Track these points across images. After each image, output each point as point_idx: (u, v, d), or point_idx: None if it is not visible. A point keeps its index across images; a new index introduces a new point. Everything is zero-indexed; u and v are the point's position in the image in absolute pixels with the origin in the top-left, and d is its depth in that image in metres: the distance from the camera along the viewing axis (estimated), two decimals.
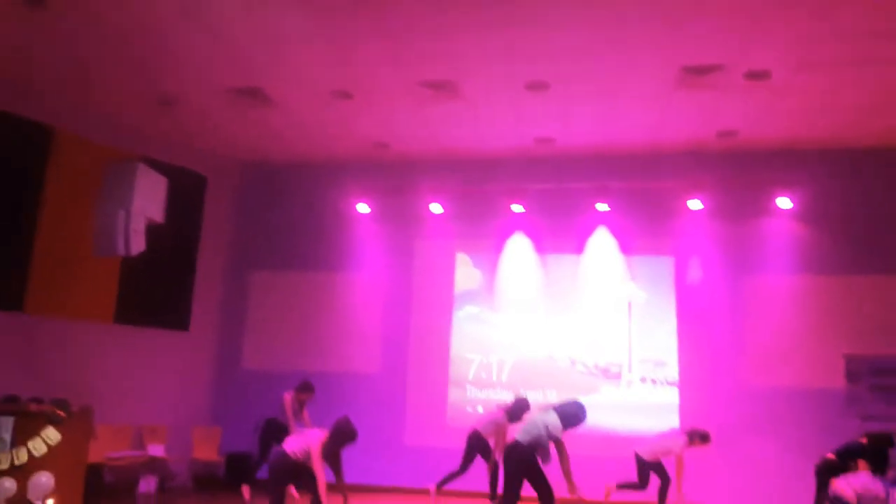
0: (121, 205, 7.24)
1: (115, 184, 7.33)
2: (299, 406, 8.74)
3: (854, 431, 8.70)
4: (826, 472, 6.79)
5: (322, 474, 6.15)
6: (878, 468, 6.24)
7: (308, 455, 6.18)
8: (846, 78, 7.75)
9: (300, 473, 6.22)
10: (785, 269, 9.89)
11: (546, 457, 5.72)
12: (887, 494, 5.51)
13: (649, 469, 8.01)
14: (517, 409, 8.08)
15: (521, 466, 5.75)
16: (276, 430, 8.43)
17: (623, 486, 8.15)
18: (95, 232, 7.41)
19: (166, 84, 8.55)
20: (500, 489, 7.84)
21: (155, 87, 8.62)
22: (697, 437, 7.99)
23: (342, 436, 6.30)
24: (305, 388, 8.69)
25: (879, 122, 8.94)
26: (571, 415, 5.82)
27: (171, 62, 7.95)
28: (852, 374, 9.01)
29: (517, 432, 5.92)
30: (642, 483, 8.02)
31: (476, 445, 8.30)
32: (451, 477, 8.34)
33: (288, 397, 8.67)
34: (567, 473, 5.80)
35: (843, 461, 7.03)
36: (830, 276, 9.76)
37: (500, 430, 8.14)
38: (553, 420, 5.75)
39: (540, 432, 5.73)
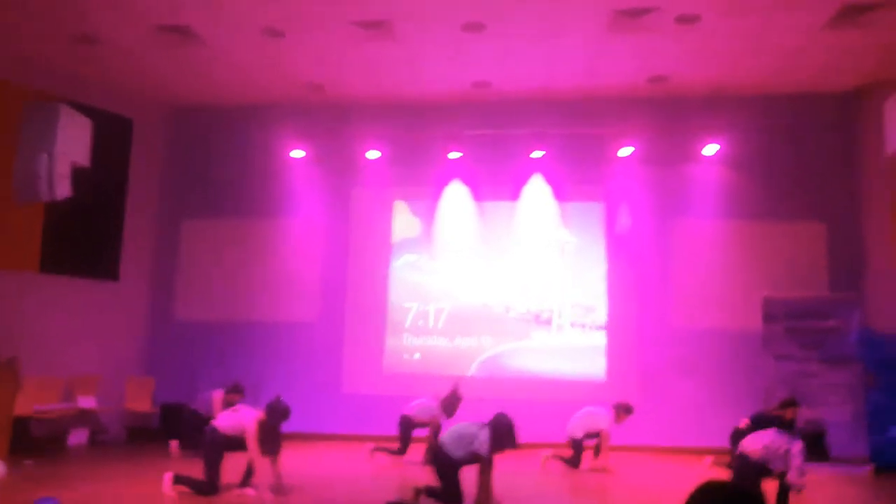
0: (43, 148, 6.89)
1: (36, 127, 6.96)
2: (227, 406, 8.54)
3: (769, 371, 9.23)
4: (739, 437, 7.14)
5: (258, 454, 6.19)
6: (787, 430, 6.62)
7: (239, 432, 6.22)
8: (771, 22, 7.96)
9: (233, 444, 6.27)
10: (710, 214, 10.26)
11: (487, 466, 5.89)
12: (789, 447, 5.89)
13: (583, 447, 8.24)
14: (452, 403, 8.18)
15: (449, 471, 5.89)
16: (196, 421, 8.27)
17: (558, 458, 8.29)
18: (16, 177, 7.07)
19: (86, 21, 8.09)
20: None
21: (74, 24, 8.16)
22: (623, 411, 8.28)
23: (276, 415, 6.33)
24: (236, 390, 8.41)
25: (804, 66, 9.20)
26: (504, 435, 5.90)
27: None
28: (769, 316, 9.41)
29: (448, 440, 5.98)
30: (575, 462, 8.21)
31: (411, 427, 8.37)
32: (392, 453, 8.39)
33: (217, 396, 8.49)
34: (484, 488, 5.85)
35: (756, 428, 7.37)
36: (753, 221, 10.18)
37: (434, 423, 8.16)
38: (484, 439, 5.85)
39: (471, 450, 5.86)
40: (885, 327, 9.10)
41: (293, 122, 10.67)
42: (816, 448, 6.08)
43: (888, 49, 8.53)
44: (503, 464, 6.20)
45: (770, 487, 5.72)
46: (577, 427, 8.27)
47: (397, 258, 10.76)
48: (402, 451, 8.36)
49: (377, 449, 8.47)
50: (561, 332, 10.37)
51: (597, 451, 8.24)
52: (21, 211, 8.72)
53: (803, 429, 6.41)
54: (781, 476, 5.82)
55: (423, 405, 8.42)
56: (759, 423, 7.28)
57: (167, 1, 7.66)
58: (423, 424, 8.32)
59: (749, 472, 5.92)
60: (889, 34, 8.12)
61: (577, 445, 8.21)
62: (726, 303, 10.01)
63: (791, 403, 7.60)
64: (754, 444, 6.07)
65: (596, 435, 8.20)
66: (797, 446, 5.88)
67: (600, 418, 8.25)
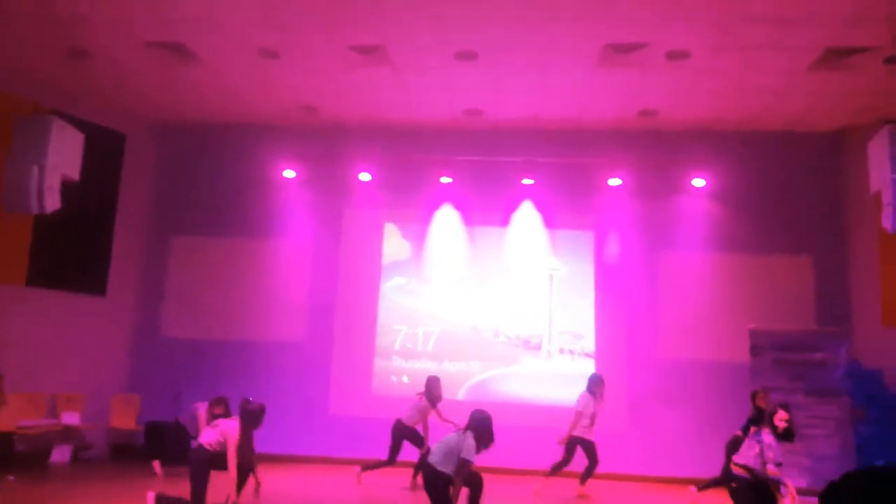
0: (34, 160, 6.95)
1: (27, 138, 7.02)
2: (211, 419, 8.52)
3: None
4: (732, 447, 7.29)
5: (235, 466, 6.19)
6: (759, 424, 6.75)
7: (223, 445, 6.21)
8: (759, 62, 8.11)
9: (218, 462, 6.24)
10: (698, 246, 10.35)
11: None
12: (761, 440, 6.06)
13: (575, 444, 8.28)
14: (433, 389, 8.35)
15: (442, 490, 5.89)
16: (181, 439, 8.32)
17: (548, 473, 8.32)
18: (6, 188, 7.09)
19: (81, 34, 8.10)
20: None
21: (69, 38, 8.18)
22: (595, 384, 8.42)
23: (252, 416, 6.32)
24: (219, 403, 8.28)
25: (789, 106, 9.39)
26: (483, 431, 5.98)
27: (86, 11, 7.55)
28: (756, 348, 9.42)
29: (436, 458, 5.97)
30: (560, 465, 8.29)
31: (403, 434, 8.36)
32: (379, 465, 8.38)
33: (201, 410, 8.44)
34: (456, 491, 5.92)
35: (745, 434, 7.49)
36: (740, 254, 10.27)
37: (424, 415, 8.37)
38: (471, 444, 5.91)
39: (460, 459, 5.88)
40: (871, 361, 9.13)
41: (285, 142, 10.76)
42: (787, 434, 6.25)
43: (869, 92, 8.72)
44: (493, 490, 6.17)
45: None
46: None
47: (387, 280, 10.77)
48: (390, 460, 8.32)
49: (365, 468, 8.44)
50: (550, 359, 10.37)
51: (583, 478, 8.20)
52: (9, 223, 8.74)
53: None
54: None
55: (411, 406, 8.47)
56: (745, 428, 7.53)
57: (162, 18, 7.69)
58: (414, 425, 8.36)
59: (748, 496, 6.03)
60: (869, 78, 8.29)
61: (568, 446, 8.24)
62: (714, 334, 10.04)
63: (757, 393, 8.00)
64: (739, 460, 6.19)
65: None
66: (767, 437, 6.04)
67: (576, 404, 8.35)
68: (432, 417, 8.49)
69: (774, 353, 9.39)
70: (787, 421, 6.22)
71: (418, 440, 8.38)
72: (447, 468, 5.87)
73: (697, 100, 9.32)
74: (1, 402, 7.91)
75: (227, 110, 10.43)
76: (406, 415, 8.42)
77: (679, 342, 10.13)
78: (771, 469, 5.98)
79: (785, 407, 6.36)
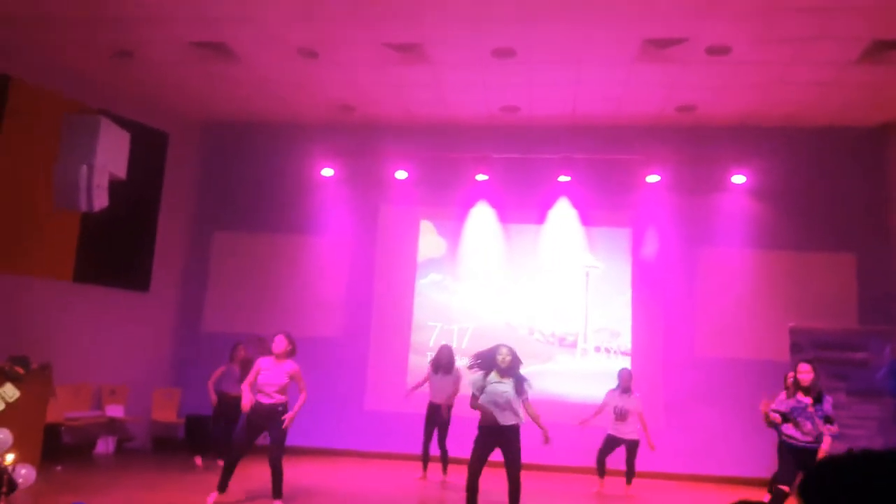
0: (83, 159, 7.11)
1: (76, 137, 7.19)
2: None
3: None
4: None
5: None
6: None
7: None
8: (802, 55, 7.98)
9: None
10: (737, 243, 10.21)
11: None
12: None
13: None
14: (439, 361, 8.59)
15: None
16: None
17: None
18: (56, 186, 7.27)
19: (126, 35, 8.29)
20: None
21: (114, 38, 8.36)
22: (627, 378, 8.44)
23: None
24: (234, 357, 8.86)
25: (832, 100, 9.22)
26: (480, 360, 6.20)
27: (131, 12, 7.73)
28: (796, 347, 9.27)
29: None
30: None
31: (433, 415, 8.53)
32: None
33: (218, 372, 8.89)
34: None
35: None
36: (780, 251, 10.10)
37: (449, 387, 8.51)
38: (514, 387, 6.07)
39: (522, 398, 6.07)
40: None
41: (323, 140, 10.86)
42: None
43: None
44: (528, 485, 6.19)
45: None
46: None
47: (422, 277, 10.83)
48: (426, 442, 8.49)
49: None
50: (585, 356, 10.34)
51: (628, 478, 8.17)
52: (58, 220, 8.96)
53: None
54: None
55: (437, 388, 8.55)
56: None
57: (204, 18, 7.83)
58: (444, 401, 8.45)
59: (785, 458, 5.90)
60: None
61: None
62: (753, 332, 9.91)
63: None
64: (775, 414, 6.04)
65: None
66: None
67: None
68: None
69: (815, 351, 9.21)
70: (803, 373, 5.94)
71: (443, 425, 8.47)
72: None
73: (737, 94, 9.20)
74: (49, 393, 8.13)
75: (266, 109, 10.57)
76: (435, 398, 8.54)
77: (717, 340, 10.02)
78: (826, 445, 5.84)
79: (809, 361, 6.13)
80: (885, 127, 9.95)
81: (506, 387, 6.05)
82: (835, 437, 5.88)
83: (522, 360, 6.32)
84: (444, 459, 8.49)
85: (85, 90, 9.37)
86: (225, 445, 7.95)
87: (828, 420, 5.80)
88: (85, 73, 9.39)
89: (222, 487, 6.53)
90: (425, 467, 8.53)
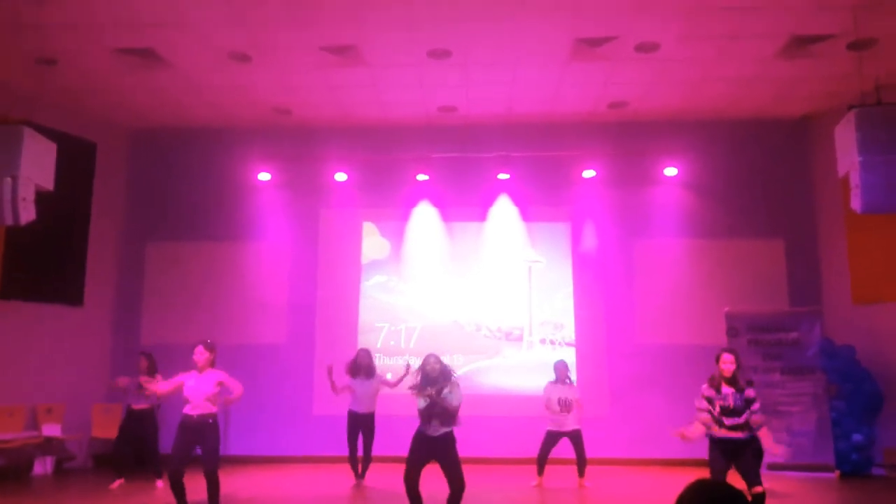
0: (7, 171, 6.83)
1: None
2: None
3: None
4: None
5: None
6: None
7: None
8: (726, 51, 8.29)
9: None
10: (672, 234, 10.53)
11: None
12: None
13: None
14: (356, 368, 8.45)
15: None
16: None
17: None
18: None
19: (48, 43, 7.97)
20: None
21: (36, 45, 7.99)
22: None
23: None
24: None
25: (757, 94, 9.60)
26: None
27: (53, 18, 7.45)
28: (732, 330, 9.59)
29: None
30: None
31: (354, 424, 8.48)
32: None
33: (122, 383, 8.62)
34: None
35: None
36: (713, 240, 10.47)
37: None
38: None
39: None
40: (842, 338, 9.39)
41: (260, 145, 10.71)
42: None
43: (834, 78, 8.95)
44: (479, 480, 6.23)
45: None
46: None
47: (367, 279, 10.79)
48: (352, 450, 8.44)
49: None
50: (531, 349, 10.48)
51: (581, 469, 8.28)
52: None
53: None
54: (747, 481, 5.81)
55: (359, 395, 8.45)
56: None
57: (129, 24, 7.61)
58: (367, 410, 8.41)
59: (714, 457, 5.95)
60: (835, 64, 8.53)
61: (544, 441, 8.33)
62: (691, 318, 10.23)
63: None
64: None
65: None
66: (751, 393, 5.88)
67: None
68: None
69: (750, 334, 9.57)
70: (726, 363, 5.88)
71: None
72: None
73: (667, 90, 9.48)
74: None
75: (199, 114, 10.35)
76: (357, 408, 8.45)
77: (657, 327, 10.30)
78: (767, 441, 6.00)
79: (731, 350, 6.07)
80: (806, 118, 10.44)
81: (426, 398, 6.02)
82: (760, 425, 5.94)
83: (452, 369, 6.25)
84: (367, 463, 8.43)
85: (6, 100, 8.95)
86: (145, 462, 8.12)
87: (748, 402, 5.82)
88: (6, 82, 8.99)
89: None
90: (356, 470, 8.42)
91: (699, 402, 6.01)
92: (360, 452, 8.46)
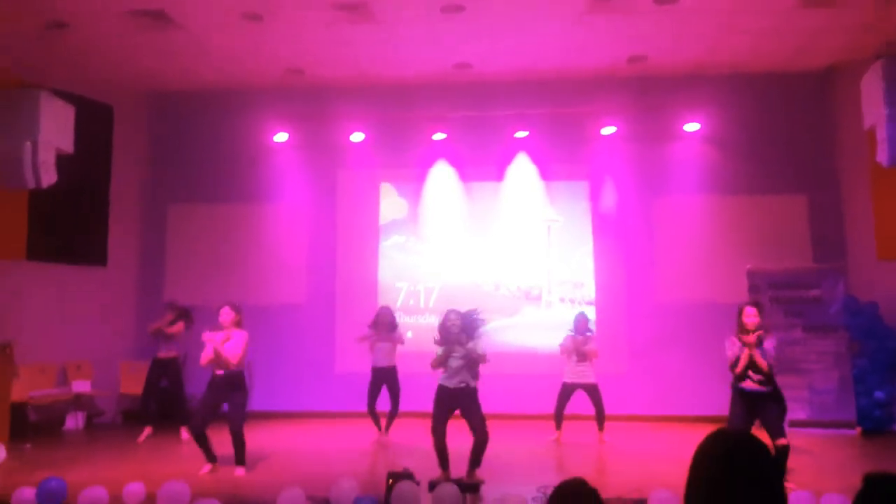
0: (27, 135, 6.98)
1: (17, 113, 7.04)
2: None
3: None
4: None
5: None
6: None
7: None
8: (746, 2, 8.01)
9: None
10: (693, 190, 10.37)
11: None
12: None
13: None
14: (377, 323, 8.63)
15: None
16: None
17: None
18: None
19: (60, 5, 7.93)
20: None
21: (45, 9, 7.99)
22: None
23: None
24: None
25: (778, 46, 9.31)
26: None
27: None
28: (754, 288, 9.50)
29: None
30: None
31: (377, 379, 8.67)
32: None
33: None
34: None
35: None
36: (734, 196, 10.30)
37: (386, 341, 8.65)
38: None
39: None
40: (866, 295, 9.24)
41: (275, 105, 10.71)
42: None
43: (859, 28, 8.61)
44: (501, 435, 6.34)
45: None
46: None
47: (385, 239, 10.84)
48: (371, 404, 8.61)
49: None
50: (550, 308, 10.50)
51: (600, 423, 8.33)
52: (5, 199, 8.76)
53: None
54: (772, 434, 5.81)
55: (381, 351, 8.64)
56: None
57: None
58: (389, 364, 8.62)
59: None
60: (859, 14, 8.19)
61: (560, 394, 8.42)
62: (712, 276, 10.12)
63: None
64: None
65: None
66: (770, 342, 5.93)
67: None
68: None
69: (772, 291, 9.48)
70: (749, 316, 5.95)
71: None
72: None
73: (687, 43, 9.23)
74: (12, 373, 8.09)
75: (213, 76, 10.35)
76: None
77: (678, 285, 10.23)
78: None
79: (755, 304, 6.16)
80: (830, 70, 10.11)
81: (458, 353, 6.17)
82: (769, 374, 5.92)
83: (480, 319, 6.37)
84: (391, 418, 8.59)
85: (21, 65, 9.03)
86: (171, 411, 8.46)
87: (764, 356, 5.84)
88: (19, 47, 8.96)
89: (211, 458, 6.64)
90: (379, 425, 8.59)
91: (731, 344, 5.97)
92: (382, 407, 8.60)
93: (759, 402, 5.88)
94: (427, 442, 6.23)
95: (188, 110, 10.99)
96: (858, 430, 8.82)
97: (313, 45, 9.21)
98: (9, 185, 7.15)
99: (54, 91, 7.15)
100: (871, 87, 7.29)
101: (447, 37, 8.98)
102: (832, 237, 10.05)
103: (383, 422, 8.60)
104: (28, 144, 7.04)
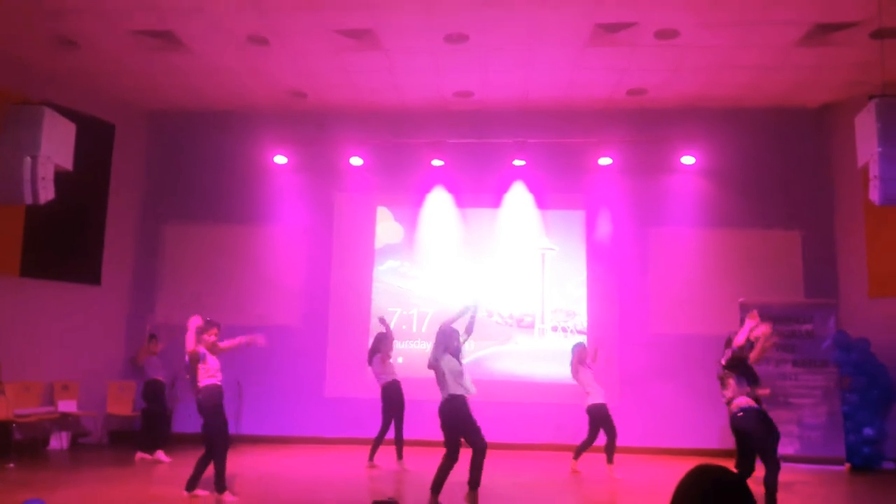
0: (27, 150, 6.91)
1: (19, 129, 6.98)
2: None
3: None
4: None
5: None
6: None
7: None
8: (747, 38, 8.18)
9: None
10: (688, 223, 10.46)
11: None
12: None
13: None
14: (378, 344, 8.53)
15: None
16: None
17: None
18: None
19: (69, 25, 8.03)
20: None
21: (55, 27, 8.05)
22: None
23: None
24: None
25: (777, 82, 9.49)
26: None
27: (74, 3, 7.51)
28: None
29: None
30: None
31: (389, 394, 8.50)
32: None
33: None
34: None
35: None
36: (729, 230, 10.39)
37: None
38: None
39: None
40: (857, 331, 9.31)
41: (276, 128, 10.74)
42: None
43: (856, 67, 8.81)
44: (490, 464, 6.28)
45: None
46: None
47: (381, 264, 10.83)
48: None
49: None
50: (543, 337, 10.49)
51: (576, 453, 8.29)
52: (1, 214, 8.69)
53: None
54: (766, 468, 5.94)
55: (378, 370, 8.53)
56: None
57: (149, 6, 7.66)
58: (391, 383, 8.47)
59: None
60: (856, 53, 8.39)
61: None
62: (705, 308, 10.17)
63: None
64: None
65: None
66: None
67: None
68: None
69: None
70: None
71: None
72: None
73: (686, 78, 9.39)
74: None
75: (216, 97, 10.40)
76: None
77: (670, 317, 10.27)
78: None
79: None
80: (827, 107, 10.30)
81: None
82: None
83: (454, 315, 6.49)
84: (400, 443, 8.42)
85: (27, 81, 9.00)
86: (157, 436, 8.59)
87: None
88: (26, 64, 9.04)
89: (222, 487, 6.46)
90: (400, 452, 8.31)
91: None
92: (370, 433, 8.49)
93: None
94: (416, 467, 6.14)
95: (188, 129, 11.00)
96: (847, 466, 8.83)
97: (317, 69, 9.28)
98: (6, 200, 7.07)
99: (57, 108, 7.10)
100: (865, 125, 7.38)
101: (449, 65, 9.09)
102: (825, 273, 10.15)
103: (385, 449, 8.44)
104: (28, 160, 6.97)
